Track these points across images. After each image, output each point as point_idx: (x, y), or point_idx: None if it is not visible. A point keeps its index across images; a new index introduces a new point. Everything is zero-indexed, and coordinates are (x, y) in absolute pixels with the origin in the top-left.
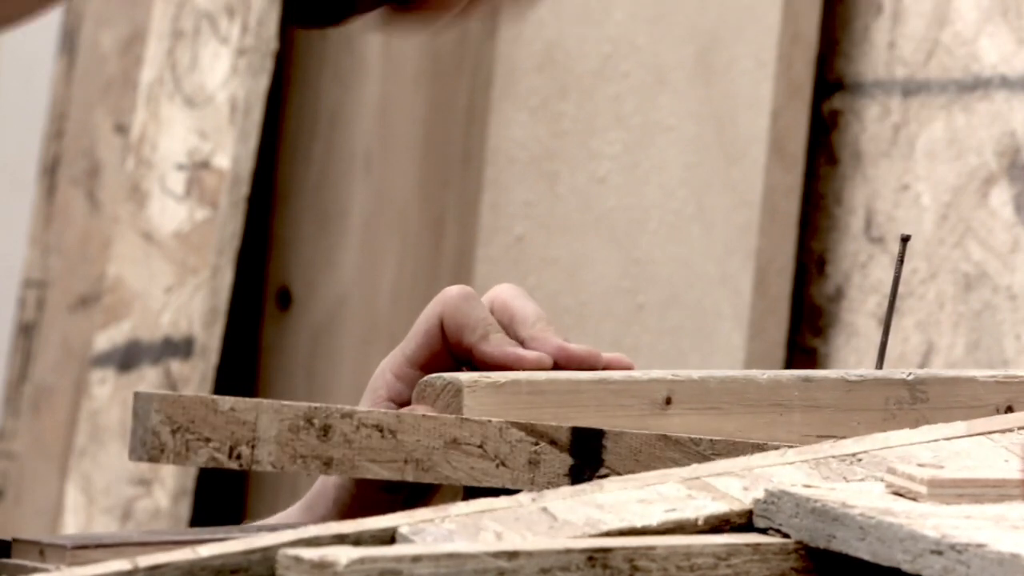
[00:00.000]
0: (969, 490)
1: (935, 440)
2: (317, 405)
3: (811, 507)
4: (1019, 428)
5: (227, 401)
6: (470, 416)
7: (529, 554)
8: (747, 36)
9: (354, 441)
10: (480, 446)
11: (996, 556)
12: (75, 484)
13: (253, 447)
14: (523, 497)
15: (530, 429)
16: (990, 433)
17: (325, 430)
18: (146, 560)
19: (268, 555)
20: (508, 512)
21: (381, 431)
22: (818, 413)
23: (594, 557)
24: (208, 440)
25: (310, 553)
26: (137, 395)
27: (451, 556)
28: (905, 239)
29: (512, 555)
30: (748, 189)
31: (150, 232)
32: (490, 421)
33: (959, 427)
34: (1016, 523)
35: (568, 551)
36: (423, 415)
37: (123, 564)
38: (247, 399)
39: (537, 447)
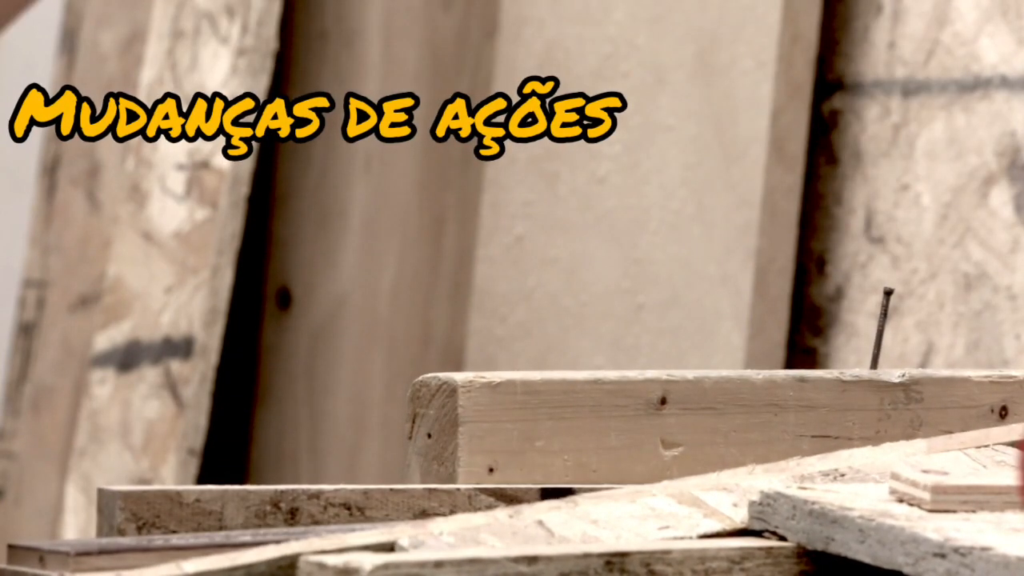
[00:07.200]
0: (973, 497)
1: (912, 456)
2: (283, 488)
3: (808, 509)
4: (995, 444)
5: (192, 492)
6: (465, 419)
7: (549, 559)
8: (747, 36)
9: (322, 522)
10: (451, 514)
11: (1002, 559)
12: (75, 484)
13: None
14: (500, 513)
15: (500, 494)
16: (964, 449)
17: (292, 513)
18: None
19: (251, 571)
20: (503, 527)
21: (349, 509)
22: (813, 413)
23: (612, 561)
24: (175, 532)
25: (334, 559)
26: (101, 492)
27: (472, 561)
28: (888, 292)
29: (532, 560)
30: (748, 189)
31: (150, 232)
32: (459, 489)
33: (919, 445)
34: (1017, 526)
35: (586, 555)
36: (390, 488)
37: None
38: (213, 487)
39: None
